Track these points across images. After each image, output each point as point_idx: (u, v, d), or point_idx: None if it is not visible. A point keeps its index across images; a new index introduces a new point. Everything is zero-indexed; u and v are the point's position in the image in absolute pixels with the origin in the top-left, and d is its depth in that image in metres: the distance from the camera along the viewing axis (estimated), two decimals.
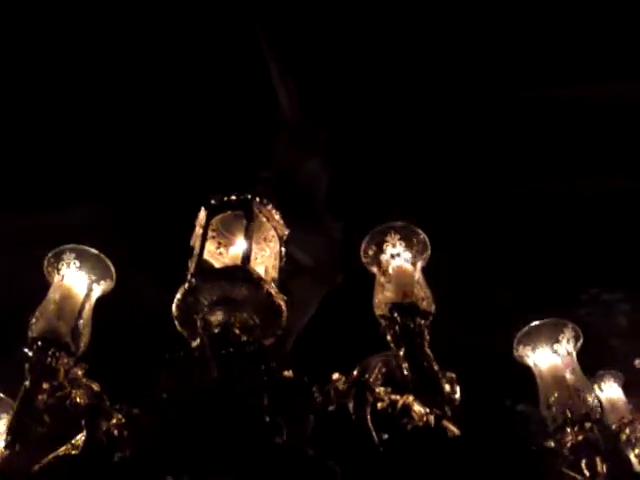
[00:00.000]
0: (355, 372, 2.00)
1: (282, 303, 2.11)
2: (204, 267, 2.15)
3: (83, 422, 1.96)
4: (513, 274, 4.27)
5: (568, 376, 2.26)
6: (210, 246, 2.40)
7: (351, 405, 1.94)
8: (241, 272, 2.08)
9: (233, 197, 2.33)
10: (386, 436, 1.89)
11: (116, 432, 1.89)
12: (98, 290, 2.27)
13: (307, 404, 1.82)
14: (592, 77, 4.29)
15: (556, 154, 4.34)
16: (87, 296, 2.25)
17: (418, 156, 4.61)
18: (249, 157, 4.74)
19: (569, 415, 2.16)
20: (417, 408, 1.98)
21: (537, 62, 4.35)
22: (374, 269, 2.25)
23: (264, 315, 2.10)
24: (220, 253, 2.42)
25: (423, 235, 2.21)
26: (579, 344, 2.33)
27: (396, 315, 2.00)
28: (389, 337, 2.02)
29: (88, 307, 2.23)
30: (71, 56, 5.00)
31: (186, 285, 2.09)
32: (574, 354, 2.32)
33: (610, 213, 4.43)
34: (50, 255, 2.27)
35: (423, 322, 1.98)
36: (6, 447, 1.91)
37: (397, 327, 1.99)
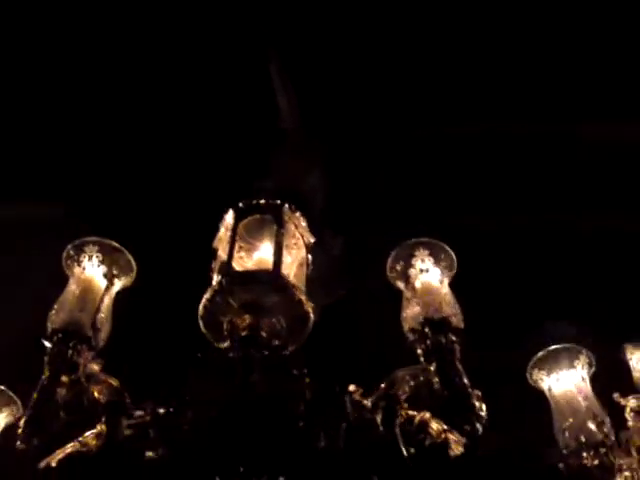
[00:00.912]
0: (383, 385, 1.99)
1: (311, 312, 2.09)
2: (234, 270, 2.11)
3: (103, 419, 1.91)
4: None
5: (582, 402, 2.28)
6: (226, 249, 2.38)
7: (379, 418, 1.93)
8: (274, 278, 2.06)
9: (262, 201, 2.31)
10: (412, 450, 1.88)
11: (141, 431, 1.83)
12: (118, 285, 2.22)
13: (339, 413, 1.80)
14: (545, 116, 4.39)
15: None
16: (107, 290, 2.19)
17: (418, 171, 4.64)
18: (247, 166, 4.71)
19: (583, 440, 2.18)
20: (434, 425, 1.98)
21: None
22: (400, 284, 2.25)
23: (291, 322, 2.07)
24: (241, 257, 2.39)
25: (450, 252, 2.22)
26: (592, 370, 2.36)
27: (427, 330, 1.99)
28: (419, 351, 2.01)
29: (108, 301, 2.17)
30: (67, 56, 4.92)
31: (216, 286, 2.06)
32: (588, 380, 2.34)
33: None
34: (70, 247, 2.21)
35: (454, 338, 1.98)
36: (23, 441, 1.84)
37: (428, 342, 1.98)
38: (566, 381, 2.36)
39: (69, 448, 1.97)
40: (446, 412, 1.86)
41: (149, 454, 1.66)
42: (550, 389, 2.37)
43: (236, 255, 2.38)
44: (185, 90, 4.98)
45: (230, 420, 1.62)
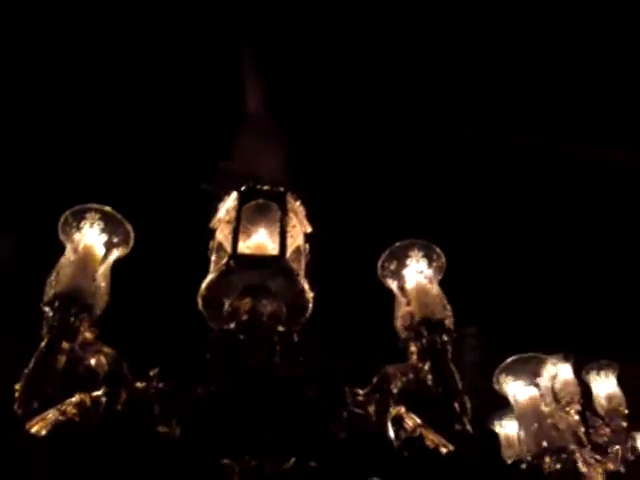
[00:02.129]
0: (375, 379, 2.07)
1: (310, 301, 2.14)
2: (241, 253, 2.13)
3: (103, 390, 1.90)
4: None
5: (546, 408, 2.44)
6: (224, 230, 2.40)
7: (371, 410, 2.01)
8: (280, 263, 2.10)
9: (266, 187, 2.34)
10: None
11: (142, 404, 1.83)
12: (115, 255, 2.20)
13: (340, 403, 1.86)
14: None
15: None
16: (105, 259, 2.17)
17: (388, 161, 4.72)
18: (208, 148, 4.68)
19: (545, 445, 2.34)
20: (409, 420, 2.09)
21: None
22: (391, 283, 2.32)
23: (291, 309, 2.12)
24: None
25: (441, 253, 2.32)
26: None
27: (423, 330, 2.08)
28: (413, 350, 2.09)
29: (106, 271, 2.15)
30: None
31: (223, 267, 2.08)
32: (551, 388, 2.51)
33: None
34: (69, 213, 2.17)
35: (448, 339, 2.08)
36: (21, 405, 1.81)
37: (423, 342, 2.07)
38: (530, 388, 2.51)
39: (49, 414, 1.94)
40: (435, 410, 1.95)
41: (162, 429, 1.66)
42: (515, 396, 2.52)
43: (229, 236, 2.41)
44: (146, 72, 4.88)
45: (251, 401, 1.65)
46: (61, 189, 4.21)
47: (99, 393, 1.96)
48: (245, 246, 2.34)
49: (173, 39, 4.91)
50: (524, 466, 2.30)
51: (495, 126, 4.66)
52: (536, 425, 2.39)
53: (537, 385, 2.50)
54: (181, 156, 4.57)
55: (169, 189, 4.40)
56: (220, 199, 3.23)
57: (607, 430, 3.34)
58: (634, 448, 3.37)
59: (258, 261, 2.13)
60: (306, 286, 2.12)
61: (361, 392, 2.02)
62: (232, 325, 2.00)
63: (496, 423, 3.22)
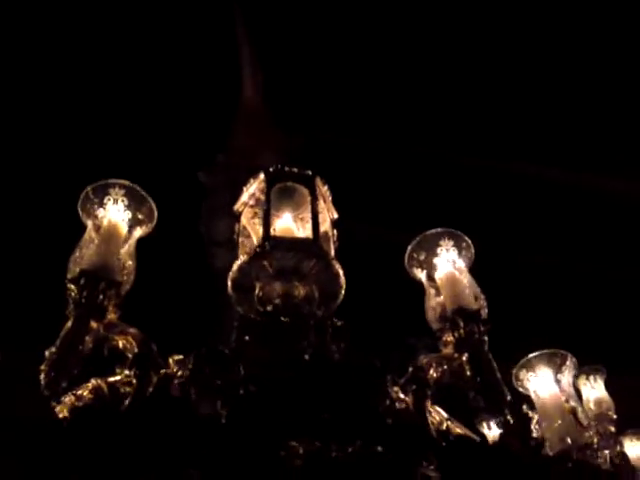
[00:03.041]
0: (411, 369, 2.01)
1: (343, 286, 2.07)
2: (275, 236, 2.05)
3: (132, 372, 1.80)
4: None
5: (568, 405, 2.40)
6: (248, 214, 2.33)
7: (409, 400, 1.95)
8: (315, 247, 2.03)
9: (295, 170, 2.26)
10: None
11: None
12: (139, 232, 2.10)
13: (382, 389, 1.80)
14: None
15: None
16: (129, 236, 2.07)
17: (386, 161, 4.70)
18: (205, 139, 4.60)
19: (569, 442, 2.30)
20: (435, 414, 2.04)
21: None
22: (419, 273, 2.27)
23: (324, 293, 2.05)
24: (254, 223, 2.35)
25: (470, 242, 2.27)
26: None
27: (459, 321, 2.03)
28: (447, 341, 2.04)
29: (130, 248, 2.05)
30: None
31: (256, 250, 2.00)
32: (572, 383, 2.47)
33: None
34: (90, 189, 2.07)
35: (484, 328, 2.03)
36: (48, 387, 1.70)
37: (459, 332, 2.02)
38: (552, 385, 2.47)
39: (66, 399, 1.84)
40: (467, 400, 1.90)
41: (204, 411, 1.57)
42: (536, 392, 2.48)
43: (251, 220, 2.34)
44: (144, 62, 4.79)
45: (303, 383, 1.57)
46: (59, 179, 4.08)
47: (117, 378, 1.87)
48: (271, 229, 2.27)
49: (172, 31, 4.83)
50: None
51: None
52: (559, 422, 2.35)
53: (558, 381, 2.46)
54: (179, 147, 4.47)
55: (167, 180, 4.28)
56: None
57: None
58: (622, 453, 3.37)
59: (293, 244, 2.04)
60: (340, 271, 2.05)
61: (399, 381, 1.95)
62: (268, 308, 1.91)
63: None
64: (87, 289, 1.82)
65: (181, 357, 1.85)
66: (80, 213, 2.09)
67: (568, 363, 2.50)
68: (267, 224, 2.08)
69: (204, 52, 4.86)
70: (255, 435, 1.44)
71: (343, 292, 2.07)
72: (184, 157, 4.36)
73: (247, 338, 1.78)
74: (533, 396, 2.47)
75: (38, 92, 4.38)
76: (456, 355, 2.02)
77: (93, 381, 1.87)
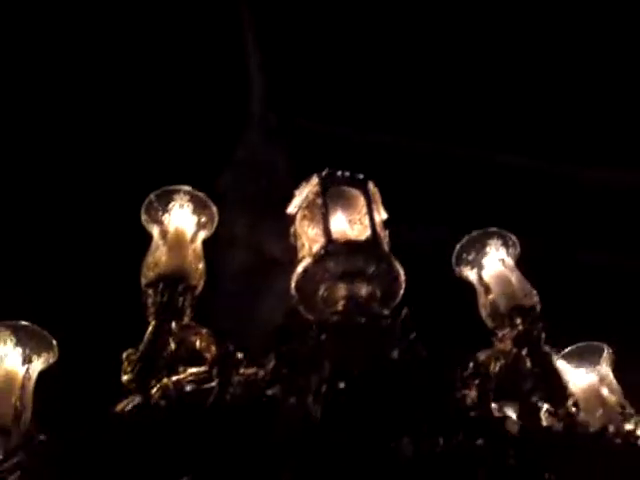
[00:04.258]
0: (472, 365, 2.08)
1: (403, 286, 2.15)
2: (337, 239, 2.12)
3: (214, 371, 1.85)
4: None
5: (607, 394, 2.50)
6: (299, 217, 2.39)
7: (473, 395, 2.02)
8: (377, 248, 2.10)
9: (348, 174, 2.34)
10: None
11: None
12: (202, 235, 2.16)
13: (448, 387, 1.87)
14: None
15: None
16: (194, 240, 2.13)
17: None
18: (215, 146, 4.64)
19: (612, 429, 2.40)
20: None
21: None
22: (469, 272, 2.35)
23: (385, 292, 2.12)
24: (305, 225, 2.41)
25: (516, 239, 2.35)
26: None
27: (517, 317, 2.11)
28: (504, 337, 2.12)
29: (197, 251, 2.10)
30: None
31: (320, 253, 2.06)
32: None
33: None
34: (154, 196, 2.12)
35: (541, 324, 2.12)
36: (138, 388, 1.75)
37: (518, 328, 2.10)
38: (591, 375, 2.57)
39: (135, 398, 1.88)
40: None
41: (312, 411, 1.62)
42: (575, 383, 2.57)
43: (302, 224, 2.40)
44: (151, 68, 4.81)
45: (389, 382, 1.64)
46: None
47: (181, 377, 1.92)
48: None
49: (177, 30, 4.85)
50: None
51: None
52: (600, 411, 2.44)
53: (597, 372, 2.56)
54: (194, 150, 4.50)
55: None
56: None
57: None
58: None
59: (356, 246, 2.11)
60: (401, 271, 2.12)
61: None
62: (337, 308, 1.98)
63: None
64: (167, 292, 1.87)
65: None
66: (144, 219, 2.14)
67: (605, 354, 2.60)
68: (327, 227, 2.15)
69: (212, 51, 4.88)
70: (360, 431, 1.49)
71: (402, 293, 2.15)
72: (198, 155, 4.39)
73: (324, 337, 1.83)
74: (572, 387, 2.57)
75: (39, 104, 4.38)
76: (513, 350, 2.10)
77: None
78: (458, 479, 1.44)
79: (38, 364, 2.16)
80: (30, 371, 2.14)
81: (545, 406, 2.00)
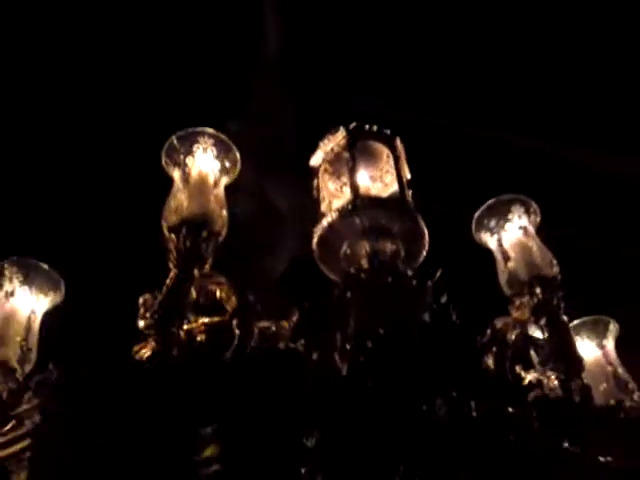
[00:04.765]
0: (489, 331, 2.06)
1: (427, 246, 2.11)
2: (364, 194, 2.07)
3: (234, 322, 1.81)
4: None
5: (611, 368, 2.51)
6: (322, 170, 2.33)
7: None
8: (405, 205, 2.06)
9: (375, 128, 2.27)
10: None
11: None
12: (225, 180, 2.09)
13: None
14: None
15: None
16: (217, 184, 2.06)
17: None
18: (225, 93, 4.53)
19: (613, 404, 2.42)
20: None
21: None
22: (488, 238, 2.32)
23: (409, 250, 2.08)
24: (327, 179, 2.36)
25: (537, 207, 2.32)
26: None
27: (537, 286, 2.09)
28: (522, 305, 2.10)
29: (220, 196, 2.04)
30: None
31: (347, 207, 2.01)
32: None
33: None
34: (176, 137, 2.04)
35: (561, 294, 2.10)
36: (159, 334, 1.70)
37: (538, 297, 2.08)
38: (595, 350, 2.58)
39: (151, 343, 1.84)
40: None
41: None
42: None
43: (324, 178, 2.35)
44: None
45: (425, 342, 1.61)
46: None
47: (193, 326, 1.88)
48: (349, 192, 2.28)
49: None
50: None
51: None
52: (605, 385, 2.46)
53: (602, 347, 2.56)
54: (202, 98, 4.38)
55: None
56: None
57: None
58: None
59: (383, 202, 2.07)
60: (425, 230, 2.08)
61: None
62: (362, 265, 1.94)
63: None
64: (190, 238, 1.82)
65: None
66: (164, 162, 2.06)
67: (611, 328, 2.61)
68: (354, 182, 2.09)
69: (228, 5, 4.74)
70: (389, 391, 1.47)
71: (425, 252, 2.11)
72: (208, 107, 4.28)
73: (349, 295, 1.80)
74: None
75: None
76: (532, 319, 2.09)
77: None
78: (489, 444, 1.42)
79: (45, 303, 2.10)
80: (36, 311, 2.09)
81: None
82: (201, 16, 4.75)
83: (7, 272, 2.10)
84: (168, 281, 1.78)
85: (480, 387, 1.56)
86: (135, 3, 4.65)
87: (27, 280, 2.10)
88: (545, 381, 1.98)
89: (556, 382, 1.99)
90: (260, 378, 1.66)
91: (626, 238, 4.41)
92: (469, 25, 4.64)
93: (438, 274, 1.79)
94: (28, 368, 1.98)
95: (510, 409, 1.52)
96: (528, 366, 1.99)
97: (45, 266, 2.14)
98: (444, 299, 1.73)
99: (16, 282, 2.09)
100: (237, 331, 1.78)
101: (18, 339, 2.01)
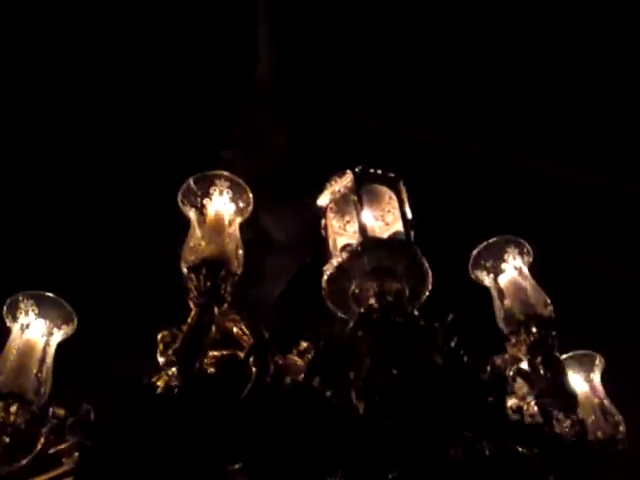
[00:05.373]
0: (489, 367, 2.17)
1: (430, 284, 2.21)
2: (371, 236, 2.18)
3: (251, 359, 1.89)
4: None
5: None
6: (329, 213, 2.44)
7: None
8: (411, 248, 2.16)
9: (380, 171, 2.39)
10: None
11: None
12: (239, 220, 2.19)
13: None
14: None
15: None
16: (231, 224, 2.15)
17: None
18: (217, 120, 4.61)
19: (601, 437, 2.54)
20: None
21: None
22: (485, 277, 2.44)
23: (415, 287, 2.18)
24: (332, 218, 2.47)
25: (530, 248, 2.45)
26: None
27: (533, 326, 2.21)
28: (517, 343, 2.22)
29: (236, 235, 2.12)
30: None
31: (356, 249, 2.12)
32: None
33: None
34: (193, 180, 2.14)
35: (555, 333, 2.22)
36: (181, 371, 1.78)
37: (533, 337, 2.20)
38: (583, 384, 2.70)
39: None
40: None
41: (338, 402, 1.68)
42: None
43: (329, 217, 2.45)
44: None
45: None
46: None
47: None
48: (352, 230, 2.40)
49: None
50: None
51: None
52: (593, 418, 2.58)
53: (590, 381, 2.69)
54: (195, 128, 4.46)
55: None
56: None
57: None
58: None
59: (390, 244, 2.18)
60: (429, 271, 2.19)
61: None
62: (371, 305, 2.04)
63: None
64: (210, 277, 1.90)
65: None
66: (180, 202, 2.15)
67: (597, 363, 2.74)
68: (362, 223, 2.20)
69: (220, 30, 4.82)
70: (406, 430, 1.56)
71: (428, 292, 2.21)
72: (199, 134, 4.36)
73: (360, 334, 1.89)
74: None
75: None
76: (526, 357, 2.20)
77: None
78: None
79: (58, 336, 2.17)
80: (50, 342, 2.15)
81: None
82: (191, 41, 4.82)
83: (22, 305, 2.16)
84: (190, 319, 1.86)
85: (490, 426, 1.65)
86: (127, 33, 4.71)
87: (42, 313, 2.16)
88: (525, 408, 2.10)
89: (536, 409, 2.10)
90: (281, 415, 1.74)
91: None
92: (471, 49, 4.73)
93: (450, 318, 1.89)
94: (43, 400, 2.04)
95: (519, 448, 1.61)
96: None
97: (60, 299, 2.20)
98: (455, 342, 1.82)
99: (32, 315, 2.15)
100: (254, 368, 1.87)
101: (34, 371, 2.06)
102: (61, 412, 1.92)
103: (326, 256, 2.29)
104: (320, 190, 2.49)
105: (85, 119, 4.47)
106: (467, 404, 1.64)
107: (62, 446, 1.49)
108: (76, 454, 1.44)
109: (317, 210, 2.40)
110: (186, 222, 2.16)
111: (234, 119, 4.63)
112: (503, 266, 2.43)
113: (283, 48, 4.81)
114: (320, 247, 4.08)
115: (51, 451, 1.51)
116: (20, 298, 2.17)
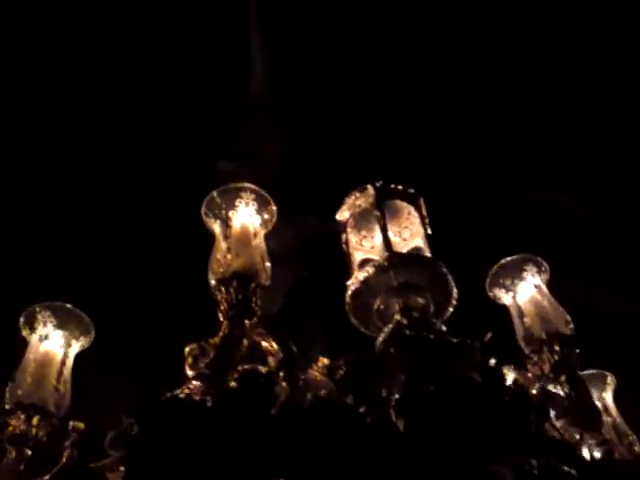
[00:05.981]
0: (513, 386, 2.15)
1: (455, 301, 2.21)
2: (395, 251, 2.17)
3: (281, 374, 1.87)
4: None
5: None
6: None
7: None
8: (432, 261, 2.16)
9: (401, 187, 2.39)
10: None
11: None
12: (263, 232, 2.17)
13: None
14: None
15: None
16: (256, 236, 2.13)
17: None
18: (213, 132, 4.60)
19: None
20: None
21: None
22: (503, 295, 2.44)
23: (439, 303, 2.17)
24: (351, 233, 2.46)
25: (547, 266, 2.46)
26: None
27: (555, 344, 2.21)
28: (540, 362, 2.22)
29: (262, 247, 2.11)
30: None
31: (382, 264, 2.10)
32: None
33: None
34: (217, 193, 2.12)
35: (578, 351, 2.23)
36: (214, 385, 1.75)
37: (556, 355, 2.20)
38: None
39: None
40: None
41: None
42: None
43: (348, 231, 2.44)
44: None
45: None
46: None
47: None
48: (369, 245, 2.39)
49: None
50: None
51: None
52: (607, 437, 2.58)
53: (603, 399, 2.71)
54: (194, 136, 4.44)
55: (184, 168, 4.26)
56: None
57: None
58: None
59: (416, 260, 2.17)
60: (455, 288, 2.18)
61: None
62: (401, 321, 2.02)
63: None
64: (240, 290, 1.88)
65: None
66: (204, 214, 2.13)
67: (609, 382, 2.75)
68: (387, 239, 2.19)
69: (214, 42, 4.83)
70: (447, 449, 1.54)
71: (452, 309, 2.21)
72: (195, 146, 4.34)
73: (392, 350, 1.88)
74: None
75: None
76: (548, 375, 2.20)
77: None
78: None
79: (76, 347, 2.14)
80: (69, 354, 2.12)
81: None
82: (186, 52, 4.82)
83: (40, 316, 2.13)
84: (221, 333, 1.83)
85: (535, 445, 1.64)
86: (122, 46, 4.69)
87: (60, 324, 2.13)
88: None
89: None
90: (312, 431, 1.71)
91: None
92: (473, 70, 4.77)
93: (488, 336, 1.88)
94: (63, 412, 2.00)
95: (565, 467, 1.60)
96: None
97: (77, 310, 2.17)
98: (493, 361, 1.81)
99: (50, 326, 2.11)
100: (284, 383, 1.84)
101: (53, 382, 2.03)
102: (81, 426, 1.89)
103: (349, 271, 2.26)
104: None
105: (83, 132, 4.44)
106: (513, 423, 1.62)
107: (105, 461, 1.44)
108: (122, 468, 1.40)
109: (336, 225, 2.38)
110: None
111: (229, 131, 4.62)
112: (522, 284, 2.43)
113: (276, 62, 4.83)
114: (313, 261, 4.09)
115: (92, 465, 1.45)
116: (37, 309, 2.13)
